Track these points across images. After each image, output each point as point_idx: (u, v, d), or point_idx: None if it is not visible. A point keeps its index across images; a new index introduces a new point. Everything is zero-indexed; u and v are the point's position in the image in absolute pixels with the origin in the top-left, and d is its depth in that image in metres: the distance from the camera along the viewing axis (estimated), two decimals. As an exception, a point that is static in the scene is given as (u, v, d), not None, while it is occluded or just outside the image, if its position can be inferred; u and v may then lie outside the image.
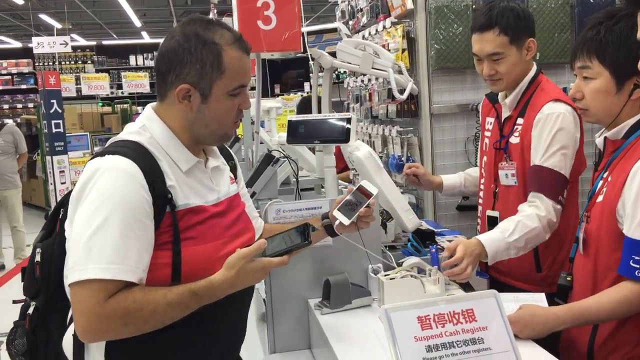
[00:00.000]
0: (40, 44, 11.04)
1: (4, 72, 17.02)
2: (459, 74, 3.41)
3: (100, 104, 12.62)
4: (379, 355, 1.66)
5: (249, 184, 2.45)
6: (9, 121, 9.96)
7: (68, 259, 1.49)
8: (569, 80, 3.33)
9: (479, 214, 2.65)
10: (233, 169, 1.85)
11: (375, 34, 3.88)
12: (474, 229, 2.72)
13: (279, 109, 3.97)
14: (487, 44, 2.34)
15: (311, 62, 3.08)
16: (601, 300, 1.74)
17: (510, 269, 2.34)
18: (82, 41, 19.05)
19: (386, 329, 1.28)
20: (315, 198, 2.68)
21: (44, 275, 1.61)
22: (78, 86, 12.16)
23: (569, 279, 1.97)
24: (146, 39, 19.70)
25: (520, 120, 2.39)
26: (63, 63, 16.38)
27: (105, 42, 19.65)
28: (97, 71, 16.20)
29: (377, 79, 3.89)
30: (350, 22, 4.46)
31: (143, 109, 1.92)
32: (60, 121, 8.69)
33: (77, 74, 14.41)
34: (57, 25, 15.44)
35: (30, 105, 16.07)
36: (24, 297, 1.69)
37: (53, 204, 8.44)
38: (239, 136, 3.91)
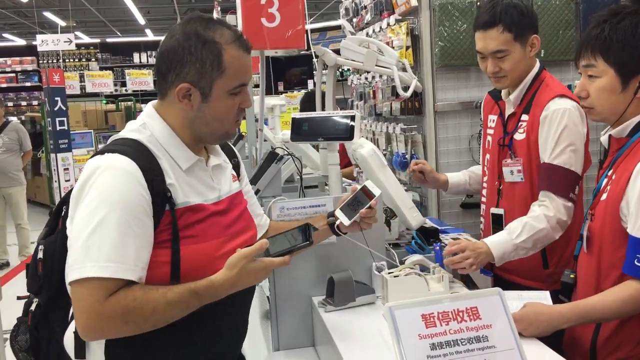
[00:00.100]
0: (45, 42, 11.08)
1: (8, 69, 17.05)
2: (463, 72, 3.41)
3: (104, 102, 12.64)
4: (383, 353, 1.65)
5: (253, 181, 2.45)
6: (14, 119, 9.96)
7: (69, 257, 1.50)
8: (574, 78, 3.32)
9: (482, 213, 2.65)
10: (236, 167, 1.84)
11: (379, 31, 3.87)
12: (478, 226, 2.72)
13: (282, 106, 3.97)
14: (491, 42, 2.33)
15: (315, 60, 3.08)
16: (606, 299, 1.73)
17: (516, 266, 2.34)
18: (86, 39, 19.09)
19: (390, 326, 1.27)
20: (319, 195, 2.68)
21: (46, 272, 1.61)
22: (82, 84, 12.19)
23: (572, 276, 1.97)
24: (150, 36, 19.73)
25: (525, 117, 2.39)
26: (67, 61, 16.40)
27: (109, 40, 19.69)
28: (101, 69, 16.23)
29: (381, 76, 3.88)
30: (354, 20, 4.45)
31: (147, 106, 1.92)
32: (65, 119, 8.71)
33: (81, 72, 14.42)
34: (61, 22, 15.49)
35: (35, 102, 16.08)
36: (28, 294, 1.70)
37: (57, 201, 8.45)
38: (243, 133, 3.91)
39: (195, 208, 1.58)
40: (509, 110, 2.47)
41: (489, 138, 2.59)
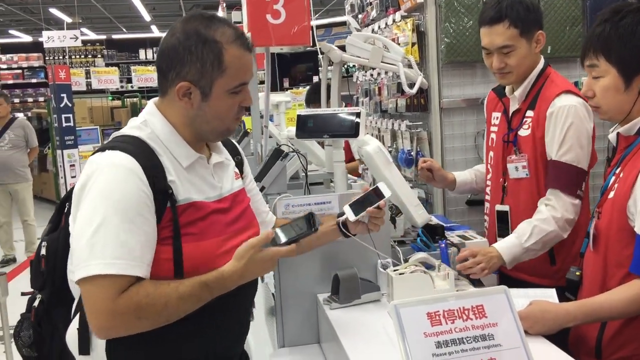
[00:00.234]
0: (51, 38, 11.08)
1: (14, 66, 17.09)
2: (469, 68, 3.39)
3: (110, 98, 12.64)
4: (388, 351, 1.65)
5: (258, 178, 2.44)
6: (20, 115, 10.00)
7: (71, 255, 1.50)
8: (580, 74, 3.31)
9: (486, 210, 2.64)
10: (239, 164, 1.84)
11: (385, 27, 3.86)
12: (484, 224, 2.70)
13: (288, 103, 3.96)
14: (497, 37, 2.33)
15: (320, 56, 3.07)
16: (612, 298, 1.73)
17: (523, 263, 2.34)
18: (92, 35, 19.12)
19: (395, 324, 1.27)
20: (324, 192, 2.68)
21: (49, 268, 1.62)
22: (88, 80, 12.18)
23: (577, 274, 1.96)
24: (156, 33, 19.74)
25: (530, 113, 2.38)
26: (73, 57, 16.43)
27: (115, 36, 19.72)
28: (106, 65, 16.22)
29: (386, 73, 3.87)
30: (360, 16, 4.44)
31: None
32: (71, 115, 8.71)
33: (87, 68, 14.41)
34: (67, 19, 15.51)
35: (41, 99, 16.11)
36: (32, 290, 1.71)
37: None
38: (248, 130, 3.91)
39: (197, 205, 1.58)
40: (513, 107, 2.46)
41: (493, 135, 2.58)
